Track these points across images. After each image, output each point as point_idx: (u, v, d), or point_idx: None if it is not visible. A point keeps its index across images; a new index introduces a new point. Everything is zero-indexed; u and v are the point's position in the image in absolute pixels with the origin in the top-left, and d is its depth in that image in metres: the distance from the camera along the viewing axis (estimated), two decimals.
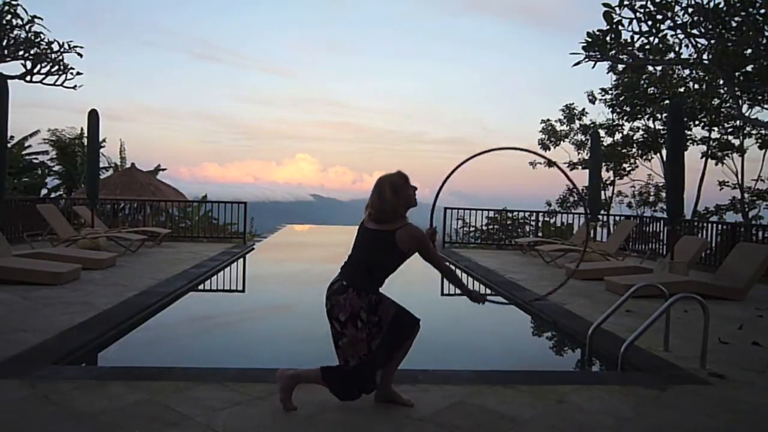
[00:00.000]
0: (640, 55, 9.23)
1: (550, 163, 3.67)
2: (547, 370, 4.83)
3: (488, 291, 8.53)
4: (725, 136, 17.40)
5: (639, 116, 17.88)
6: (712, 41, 8.64)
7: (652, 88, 16.92)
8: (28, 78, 11.63)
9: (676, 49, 9.45)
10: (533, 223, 16.31)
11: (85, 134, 13.02)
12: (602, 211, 15.56)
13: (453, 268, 3.47)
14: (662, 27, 8.68)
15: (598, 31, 8.82)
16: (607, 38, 8.82)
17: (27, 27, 11.16)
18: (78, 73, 12.11)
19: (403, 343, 3.40)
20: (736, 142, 17.36)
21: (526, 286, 8.12)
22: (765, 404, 3.77)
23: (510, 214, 16.68)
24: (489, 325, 7.04)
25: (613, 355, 4.48)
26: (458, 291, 3.63)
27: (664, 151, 17.28)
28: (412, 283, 9.50)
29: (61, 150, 20.31)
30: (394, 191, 3.29)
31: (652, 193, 19.30)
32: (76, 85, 12.17)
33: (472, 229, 16.01)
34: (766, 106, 12.99)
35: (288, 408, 3.32)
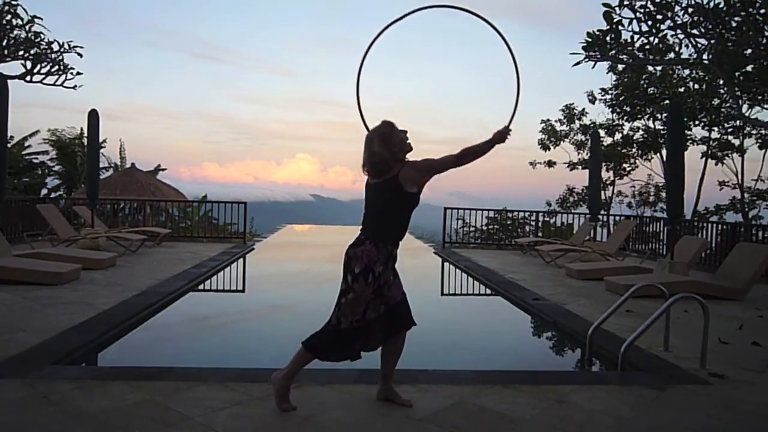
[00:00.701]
0: (640, 55, 9.23)
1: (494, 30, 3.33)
2: (547, 370, 4.83)
3: (488, 291, 8.54)
4: (725, 136, 17.40)
5: (639, 116, 17.88)
6: (712, 41, 8.64)
7: (652, 88, 16.92)
8: (28, 78, 11.63)
9: (676, 49, 9.45)
10: (533, 223, 16.32)
11: (85, 134, 13.03)
12: (602, 211, 15.55)
13: (460, 152, 3.28)
14: (662, 27, 8.68)
15: (598, 31, 8.82)
16: (607, 38, 8.82)
17: (27, 27, 11.15)
18: (78, 73, 12.13)
19: (394, 334, 3.38)
20: (736, 142, 17.37)
21: (526, 286, 8.13)
22: (765, 404, 3.76)
23: (510, 214, 16.69)
24: (489, 325, 7.05)
25: (613, 355, 4.48)
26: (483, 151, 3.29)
27: (664, 151, 17.29)
28: (412, 283, 9.51)
29: (61, 150, 20.30)
30: (382, 141, 3.27)
31: (652, 193, 19.31)
32: (76, 85, 12.18)
33: (472, 229, 16.01)
34: (766, 106, 12.99)
35: (286, 409, 3.32)
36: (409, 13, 3.85)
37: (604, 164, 16.49)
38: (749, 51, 8.94)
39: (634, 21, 8.62)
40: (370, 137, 3.32)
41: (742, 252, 7.91)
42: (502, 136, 3.33)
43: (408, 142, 3.34)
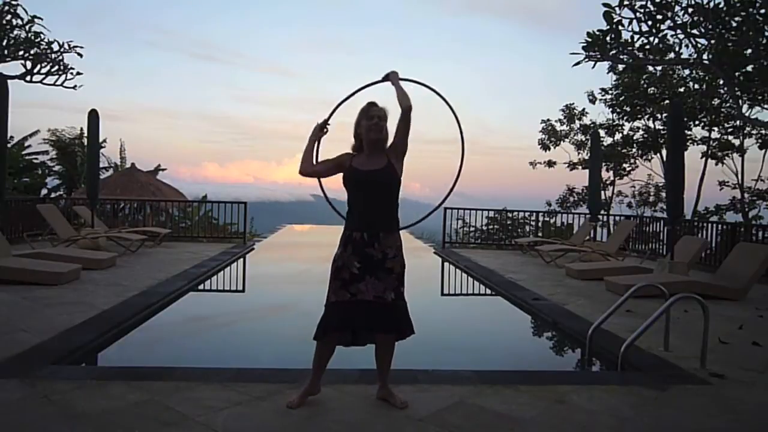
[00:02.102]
0: (640, 55, 9.22)
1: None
2: (547, 370, 4.83)
3: (488, 291, 8.54)
4: (725, 136, 17.41)
5: (639, 116, 17.89)
6: (712, 41, 8.63)
7: (652, 88, 16.92)
8: (28, 78, 11.61)
9: (676, 49, 9.43)
10: (533, 223, 16.32)
11: (85, 134, 13.03)
12: (602, 211, 15.55)
13: None
14: (662, 27, 8.67)
15: (598, 31, 8.81)
16: (607, 38, 8.81)
17: (27, 27, 11.13)
18: (78, 73, 12.09)
19: (375, 334, 3.38)
20: (736, 142, 17.37)
21: (526, 286, 8.12)
22: (765, 404, 3.77)
23: (510, 214, 16.69)
24: (489, 325, 7.05)
25: (613, 355, 4.47)
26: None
27: (664, 151, 17.30)
28: (412, 283, 9.50)
29: (61, 150, 20.30)
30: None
31: (652, 193, 19.31)
32: (76, 85, 12.16)
33: (472, 229, 16.01)
34: (766, 106, 12.96)
35: (291, 405, 3.34)
36: (363, 88, 3.84)
37: (604, 164, 16.49)
38: (749, 51, 8.93)
39: (634, 21, 8.60)
40: None
41: (742, 252, 7.91)
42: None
43: (371, 128, 3.32)
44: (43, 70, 11.74)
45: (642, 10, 8.48)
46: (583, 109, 19.35)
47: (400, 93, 3.37)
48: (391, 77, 3.49)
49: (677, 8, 8.49)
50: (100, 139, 12.10)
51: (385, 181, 3.32)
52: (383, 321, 3.30)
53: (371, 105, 3.39)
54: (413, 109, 3.33)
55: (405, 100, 3.34)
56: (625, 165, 19.10)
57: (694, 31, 8.60)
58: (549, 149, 19.63)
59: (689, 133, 16.73)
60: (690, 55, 9.47)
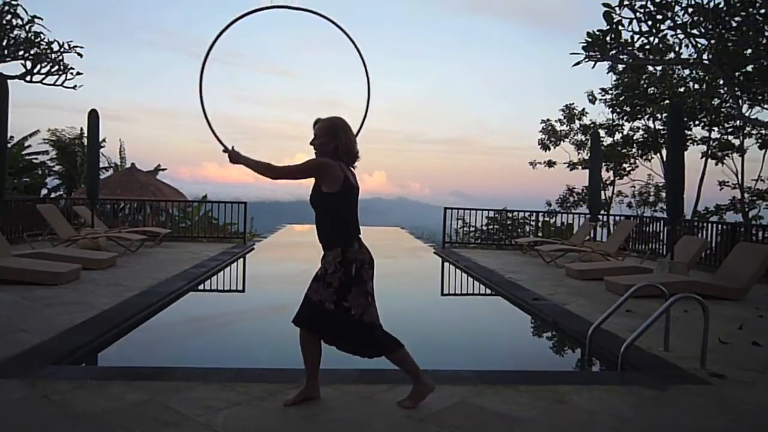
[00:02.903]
0: (640, 55, 9.22)
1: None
2: (547, 370, 4.82)
3: (488, 291, 8.54)
4: (725, 136, 17.42)
5: (639, 116, 17.90)
6: (712, 41, 8.63)
7: (652, 88, 16.93)
8: (28, 78, 11.62)
9: (676, 49, 9.44)
10: (533, 223, 16.32)
11: (85, 134, 13.04)
12: (602, 211, 15.55)
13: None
14: (662, 27, 8.67)
15: (598, 31, 8.81)
16: (607, 38, 8.81)
17: (27, 27, 11.15)
18: (78, 73, 12.11)
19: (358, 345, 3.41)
20: (736, 142, 17.39)
21: (526, 286, 8.12)
22: (765, 404, 3.77)
23: (510, 214, 16.69)
24: (489, 325, 7.05)
25: (613, 355, 4.48)
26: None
27: (664, 151, 17.30)
28: (412, 283, 9.50)
29: (61, 150, 20.31)
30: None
31: (652, 193, 19.33)
32: (76, 85, 12.17)
33: (472, 229, 16.00)
34: (766, 106, 12.97)
35: (287, 403, 3.36)
36: (250, 12, 3.76)
37: (604, 164, 16.50)
38: (749, 51, 8.93)
39: (634, 21, 8.61)
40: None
41: (742, 252, 7.91)
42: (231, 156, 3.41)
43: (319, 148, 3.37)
44: (43, 70, 11.75)
45: (642, 10, 8.49)
46: (583, 109, 19.39)
47: (253, 170, 3.34)
48: (234, 160, 3.38)
49: (677, 8, 8.50)
50: (100, 139, 12.11)
51: (311, 203, 3.39)
52: (323, 326, 3.38)
53: (314, 123, 3.38)
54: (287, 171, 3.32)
55: (264, 175, 3.30)
56: (625, 165, 19.12)
57: (694, 31, 8.60)
58: (549, 149, 19.66)
59: (689, 133, 16.74)
60: (690, 55, 9.48)
